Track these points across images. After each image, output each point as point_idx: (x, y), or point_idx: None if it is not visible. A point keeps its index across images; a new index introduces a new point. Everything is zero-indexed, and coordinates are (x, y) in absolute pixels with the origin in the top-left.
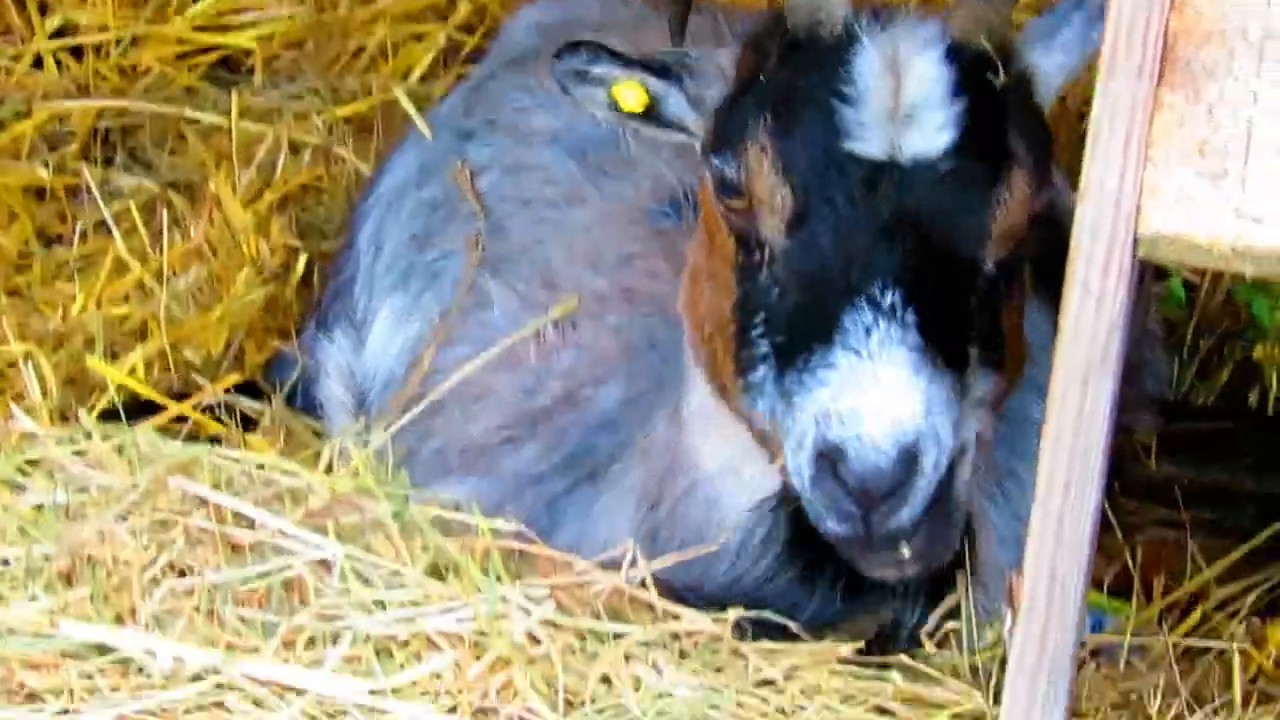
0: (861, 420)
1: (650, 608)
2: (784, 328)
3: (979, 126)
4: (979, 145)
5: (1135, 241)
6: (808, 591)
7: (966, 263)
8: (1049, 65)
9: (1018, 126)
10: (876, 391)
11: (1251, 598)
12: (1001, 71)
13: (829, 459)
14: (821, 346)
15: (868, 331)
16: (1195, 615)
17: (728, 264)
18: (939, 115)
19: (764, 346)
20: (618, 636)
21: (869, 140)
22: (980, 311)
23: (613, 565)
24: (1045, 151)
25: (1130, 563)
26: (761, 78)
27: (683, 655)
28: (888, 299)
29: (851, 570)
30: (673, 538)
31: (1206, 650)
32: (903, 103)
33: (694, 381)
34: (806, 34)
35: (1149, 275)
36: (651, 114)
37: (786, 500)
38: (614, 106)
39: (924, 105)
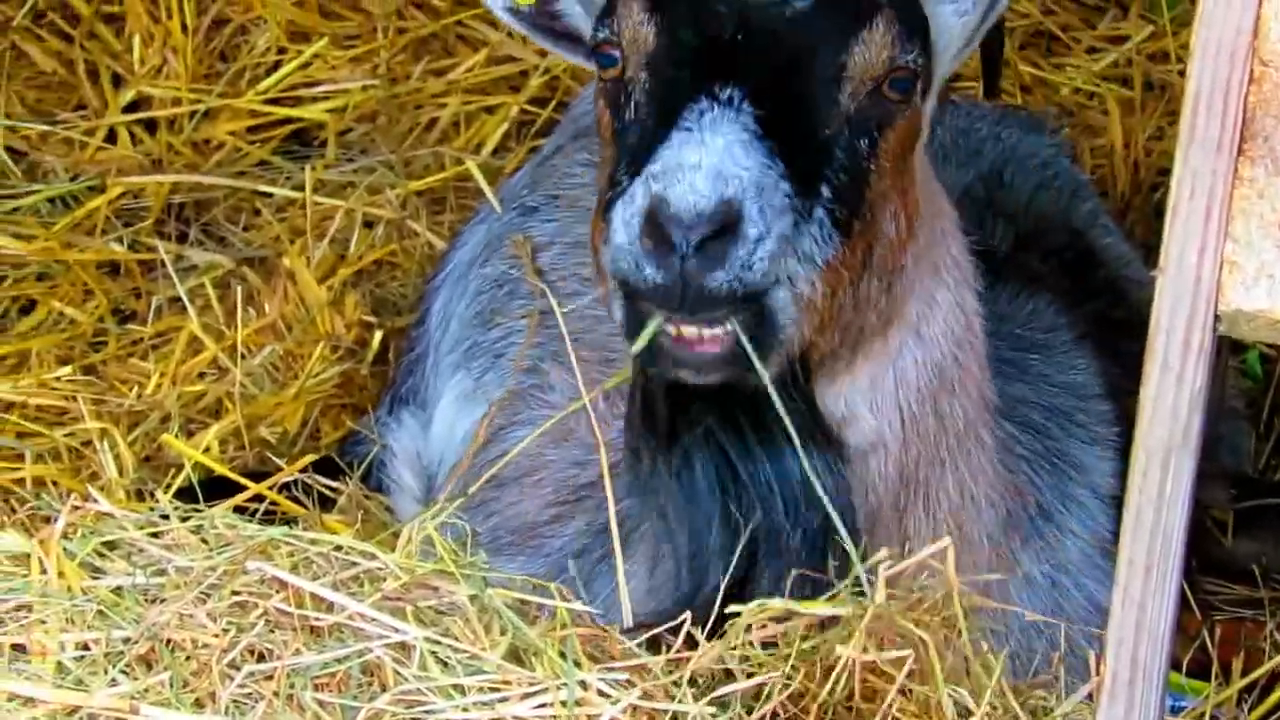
0: (684, 170)
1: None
2: (639, 147)
3: None
4: None
5: (1216, 318)
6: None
7: (814, 87)
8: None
9: (900, 2)
10: (703, 150)
11: None
12: None
13: (653, 216)
14: (662, 137)
15: (701, 114)
16: (1275, 695)
17: (609, 140)
18: None
19: (624, 177)
20: None
21: None
22: (831, 149)
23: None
24: (918, 37)
25: (1208, 642)
26: None
27: None
28: (726, 93)
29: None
30: None
31: None
32: None
33: None
34: None
35: (1226, 349)
36: (545, 13)
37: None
38: (511, 2)
39: None
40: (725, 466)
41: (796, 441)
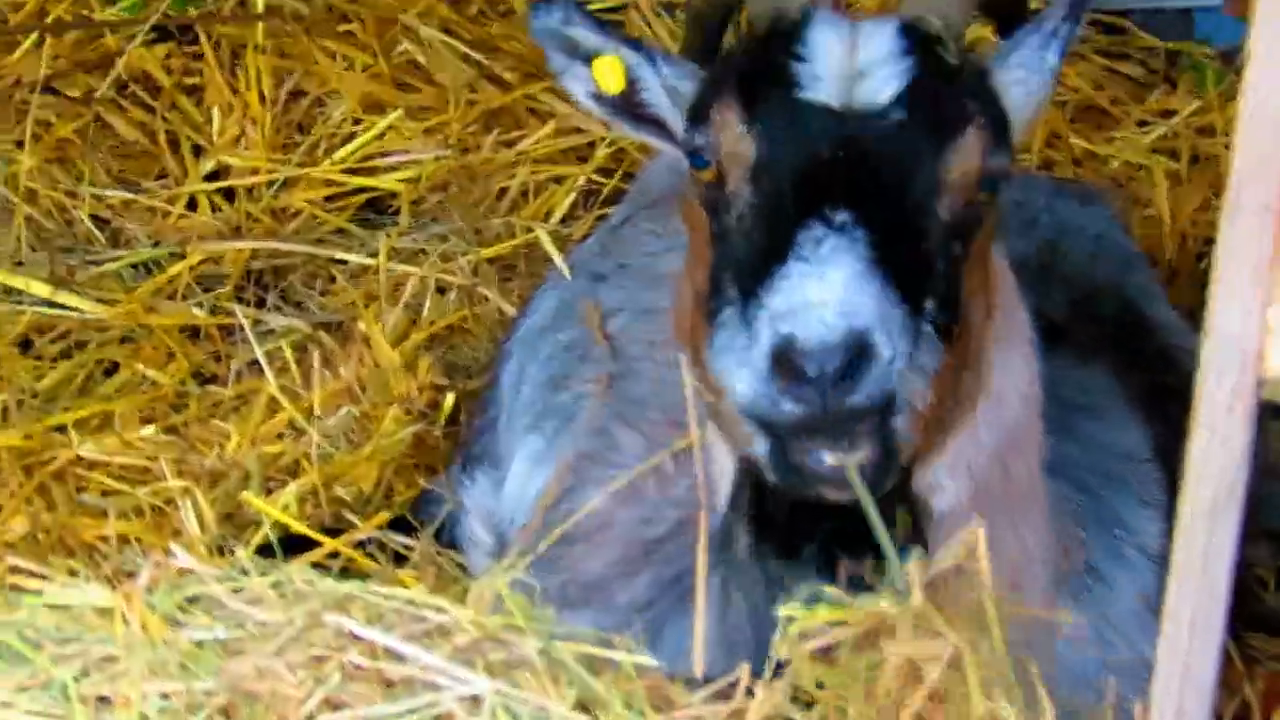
0: (810, 308)
1: None
2: (747, 265)
3: (929, 85)
4: (929, 100)
5: (1260, 382)
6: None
7: (918, 203)
8: (1007, 79)
9: (974, 98)
10: (826, 286)
11: None
12: (952, 46)
13: (784, 355)
14: (777, 266)
15: (818, 242)
16: None
17: (703, 239)
18: (889, 70)
19: (731, 290)
20: None
21: (823, 91)
22: (933, 261)
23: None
24: (1004, 138)
25: (1250, 695)
26: (728, 62)
27: None
28: (839, 217)
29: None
30: None
31: None
32: (857, 63)
33: None
34: (768, 23)
35: (1268, 414)
36: (630, 101)
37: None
38: (596, 89)
39: (876, 63)
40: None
41: (892, 555)
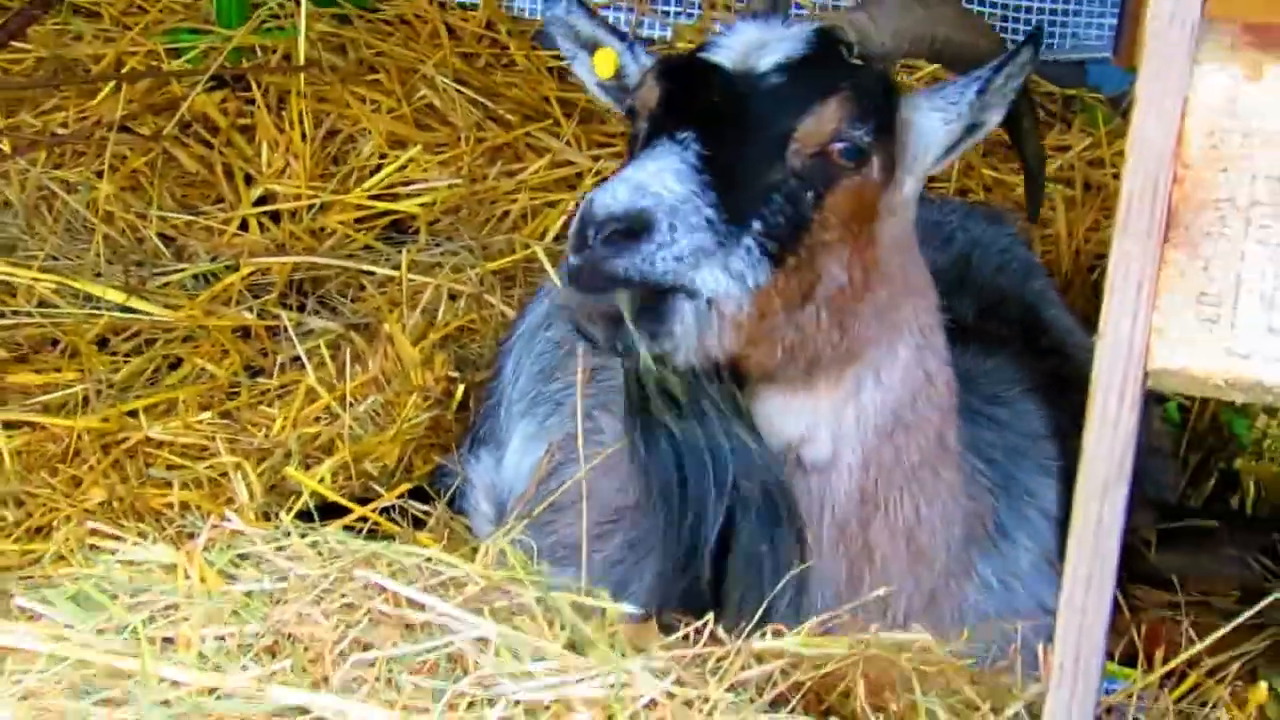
0: (612, 182)
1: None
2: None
3: (811, 64)
4: (804, 72)
5: (1145, 375)
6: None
7: (764, 141)
8: (927, 105)
9: (852, 84)
10: (635, 171)
11: (1235, 666)
12: (853, 49)
13: (580, 219)
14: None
15: (655, 148)
16: (1189, 681)
17: None
18: (783, 47)
19: None
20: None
21: (723, 55)
22: (770, 193)
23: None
24: (872, 121)
25: (1135, 638)
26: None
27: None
28: (682, 134)
29: None
30: None
31: (1201, 708)
32: (764, 41)
33: None
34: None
35: (1150, 401)
36: (621, 86)
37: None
38: (596, 77)
39: (775, 42)
40: (671, 438)
41: (708, 408)
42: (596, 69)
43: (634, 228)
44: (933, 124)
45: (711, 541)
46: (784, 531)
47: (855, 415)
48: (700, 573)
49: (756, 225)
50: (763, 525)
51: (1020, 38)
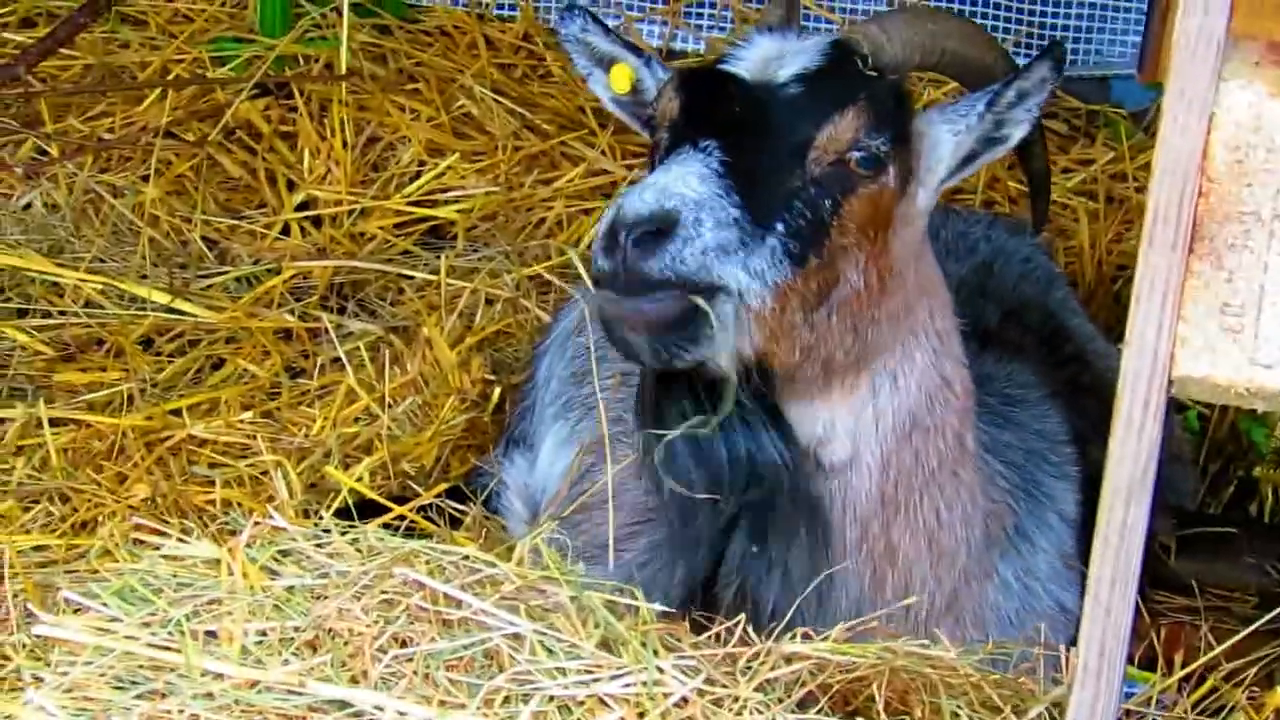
0: (640, 189)
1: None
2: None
3: (828, 75)
4: (822, 84)
5: (1169, 383)
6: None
7: (784, 149)
8: (939, 119)
9: (870, 96)
10: (662, 176)
11: (1253, 671)
12: (867, 60)
13: (610, 224)
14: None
15: (679, 156)
16: (1207, 685)
17: None
18: (800, 59)
19: None
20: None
21: (741, 66)
22: (791, 197)
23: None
24: (889, 131)
25: (1155, 642)
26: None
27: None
28: (705, 142)
29: None
30: None
31: (1218, 712)
32: (782, 53)
33: None
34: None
35: (1171, 409)
36: (637, 101)
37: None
38: (612, 93)
39: (793, 54)
40: (694, 442)
41: (729, 406)
42: (613, 84)
43: (662, 227)
44: (942, 134)
45: (715, 543)
46: (801, 534)
47: (874, 418)
48: (699, 573)
49: (779, 227)
50: (778, 528)
51: None
